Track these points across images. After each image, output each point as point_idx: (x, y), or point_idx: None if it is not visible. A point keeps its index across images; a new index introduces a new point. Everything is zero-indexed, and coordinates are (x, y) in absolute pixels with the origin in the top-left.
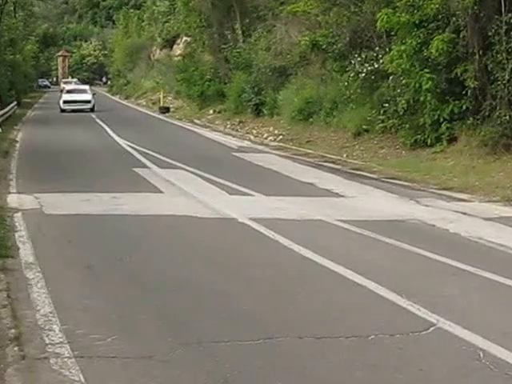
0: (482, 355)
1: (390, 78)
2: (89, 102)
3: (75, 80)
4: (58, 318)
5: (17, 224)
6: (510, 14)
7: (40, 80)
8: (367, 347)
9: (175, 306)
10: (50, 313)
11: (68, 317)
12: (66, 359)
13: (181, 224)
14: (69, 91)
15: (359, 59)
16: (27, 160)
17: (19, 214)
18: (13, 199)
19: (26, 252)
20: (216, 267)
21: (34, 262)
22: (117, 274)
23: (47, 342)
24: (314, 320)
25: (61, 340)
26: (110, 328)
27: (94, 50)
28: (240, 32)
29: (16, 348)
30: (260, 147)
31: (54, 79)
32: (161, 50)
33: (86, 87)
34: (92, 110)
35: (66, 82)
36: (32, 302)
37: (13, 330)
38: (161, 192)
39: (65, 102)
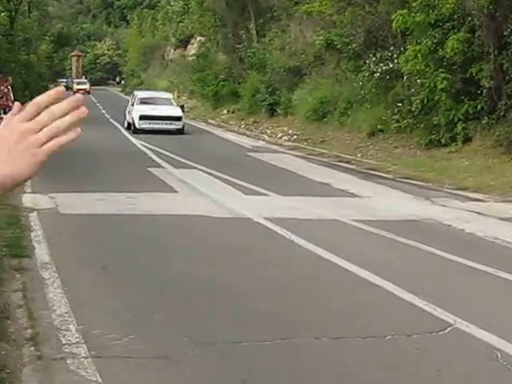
0: (499, 355)
1: (405, 77)
2: (179, 119)
3: (84, 81)
4: (75, 318)
5: (32, 224)
6: None
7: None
8: (384, 347)
9: (191, 306)
10: (66, 313)
11: (84, 317)
12: (82, 359)
13: (195, 224)
14: (144, 101)
15: (374, 59)
16: None
17: (34, 214)
18: (28, 199)
19: (41, 252)
20: (231, 267)
21: (50, 261)
22: (132, 273)
23: (64, 342)
24: (330, 320)
25: (77, 340)
26: (125, 328)
27: (108, 50)
28: (254, 32)
29: (32, 348)
30: (274, 147)
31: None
32: (175, 49)
33: (169, 96)
34: (182, 131)
35: (79, 83)
36: (48, 302)
37: (29, 330)
38: (175, 192)
39: (142, 117)
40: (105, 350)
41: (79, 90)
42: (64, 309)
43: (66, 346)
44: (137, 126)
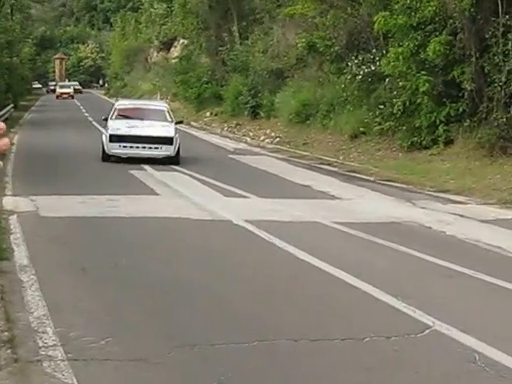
0: (477, 358)
1: (387, 80)
2: (168, 141)
3: (75, 83)
4: (52, 321)
5: (12, 226)
6: (507, 16)
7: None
8: (362, 350)
9: (170, 308)
10: (44, 315)
11: (62, 319)
12: (59, 362)
13: (176, 226)
14: (123, 113)
15: (356, 61)
16: (24, 162)
17: (14, 217)
18: (8, 202)
19: (20, 254)
20: (211, 269)
21: (29, 264)
22: (111, 276)
23: (40, 344)
24: (308, 322)
25: (54, 343)
26: (103, 330)
27: (92, 53)
28: (237, 34)
29: (9, 351)
30: (256, 149)
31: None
32: (158, 52)
33: (163, 106)
34: (174, 160)
35: (62, 86)
36: (26, 305)
37: (6, 333)
38: (156, 194)
39: (114, 139)
40: (82, 353)
41: (62, 94)
42: (42, 311)
43: (43, 349)
44: (106, 150)
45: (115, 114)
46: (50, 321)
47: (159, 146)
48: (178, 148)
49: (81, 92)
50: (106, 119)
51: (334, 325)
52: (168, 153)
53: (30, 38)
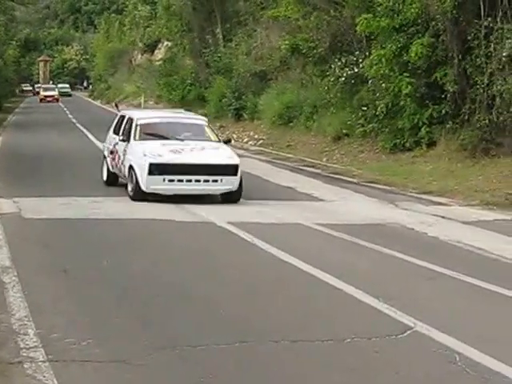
0: (458, 358)
1: (370, 82)
2: (233, 171)
3: (65, 85)
4: (34, 322)
5: None
6: (489, 19)
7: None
8: (343, 351)
9: (151, 310)
10: (25, 317)
11: (43, 321)
12: (40, 363)
13: (159, 228)
14: (152, 130)
15: (339, 63)
16: (7, 164)
17: None
18: None
19: (2, 256)
20: (193, 271)
21: (11, 265)
22: (94, 278)
23: (21, 346)
24: (290, 323)
25: (35, 344)
26: (85, 332)
27: (76, 55)
28: (221, 36)
29: None
30: (240, 151)
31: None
32: (142, 54)
33: (200, 119)
34: (237, 198)
35: (47, 89)
36: (7, 306)
37: None
38: None
39: (156, 168)
40: (63, 354)
41: (46, 97)
42: (23, 313)
43: (24, 350)
44: (143, 186)
45: (138, 131)
46: (32, 322)
47: (219, 177)
48: (241, 179)
49: (70, 95)
50: (124, 140)
51: (316, 326)
52: (230, 187)
53: (14, 40)
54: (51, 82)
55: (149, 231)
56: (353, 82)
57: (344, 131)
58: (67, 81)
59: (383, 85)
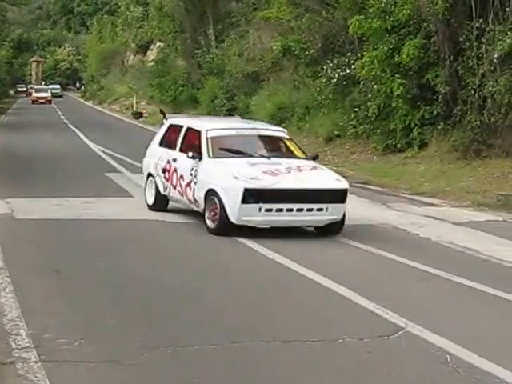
0: (449, 359)
1: (362, 83)
2: (341, 197)
3: (56, 86)
4: (26, 323)
5: None
6: (480, 20)
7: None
8: (335, 351)
9: (144, 310)
10: (17, 317)
11: (35, 321)
12: (32, 364)
13: (151, 228)
14: (226, 145)
15: (331, 65)
16: None
17: None
18: None
19: None
20: (186, 272)
21: (3, 266)
22: (86, 278)
23: (14, 346)
24: (282, 324)
25: (27, 345)
26: (77, 332)
27: (68, 56)
28: (213, 37)
29: None
30: None
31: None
32: (134, 55)
33: (279, 130)
34: (339, 228)
35: (39, 90)
36: None
37: None
38: (132, 197)
39: (255, 194)
40: (55, 355)
41: (38, 98)
42: (15, 313)
43: (16, 351)
44: (233, 216)
45: (211, 146)
46: (24, 323)
47: (325, 205)
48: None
49: (61, 96)
50: (195, 157)
51: (307, 326)
52: (336, 217)
53: (6, 41)
54: (43, 83)
55: (141, 232)
56: (345, 83)
57: (336, 132)
58: (59, 82)
59: (375, 86)
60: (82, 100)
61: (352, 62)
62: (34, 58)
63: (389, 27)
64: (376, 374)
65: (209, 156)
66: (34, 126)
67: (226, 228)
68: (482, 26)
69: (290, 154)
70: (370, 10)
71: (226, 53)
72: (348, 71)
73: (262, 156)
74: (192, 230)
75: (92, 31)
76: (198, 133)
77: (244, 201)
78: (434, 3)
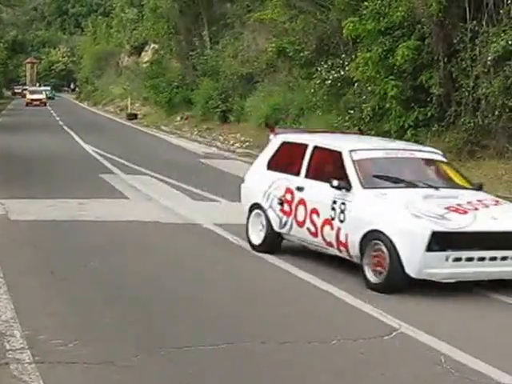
0: (443, 360)
1: (356, 85)
2: None
3: (46, 88)
4: (20, 324)
5: None
6: (474, 22)
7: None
8: (330, 352)
9: (138, 312)
10: (12, 318)
11: (30, 322)
12: (26, 365)
13: (146, 230)
14: (378, 171)
15: (325, 66)
16: None
17: None
18: None
19: None
20: (180, 273)
21: None
22: (80, 279)
23: (8, 347)
24: (276, 325)
25: (22, 346)
26: (72, 333)
27: (63, 57)
28: (207, 39)
29: None
30: (226, 154)
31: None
32: (129, 56)
33: (431, 150)
34: None
35: (33, 92)
36: None
37: None
38: (126, 198)
39: (445, 239)
40: (49, 356)
41: (33, 100)
42: (10, 314)
43: (10, 352)
44: (412, 268)
45: (360, 172)
46: (18, 324)
47: None
48: None
49: (52, 98)
50: (341, 186)
51: (302, 327)
52: None
53: (1, 42)
54: (38, 84)
55: (135, 233)
56: (339, 84)
57: None
58: (53, 83)
59: (369, 88)
60: (76, 101)
61: (346, 63)
62: (28, 60)
63: (383, 29)
64: (370, 374)
65: (361, 185)
66: (29, 127)
67: (399, 283)
68: (476, 28)
69: (455, 183)
70: (364, 12)
71: (221, 54)
72: (342, 73)
73: (429, 186)
74: (185, 231)
75: (87, 32)
76: (338, 154)
77: (429, 248)
78: (428, 5)
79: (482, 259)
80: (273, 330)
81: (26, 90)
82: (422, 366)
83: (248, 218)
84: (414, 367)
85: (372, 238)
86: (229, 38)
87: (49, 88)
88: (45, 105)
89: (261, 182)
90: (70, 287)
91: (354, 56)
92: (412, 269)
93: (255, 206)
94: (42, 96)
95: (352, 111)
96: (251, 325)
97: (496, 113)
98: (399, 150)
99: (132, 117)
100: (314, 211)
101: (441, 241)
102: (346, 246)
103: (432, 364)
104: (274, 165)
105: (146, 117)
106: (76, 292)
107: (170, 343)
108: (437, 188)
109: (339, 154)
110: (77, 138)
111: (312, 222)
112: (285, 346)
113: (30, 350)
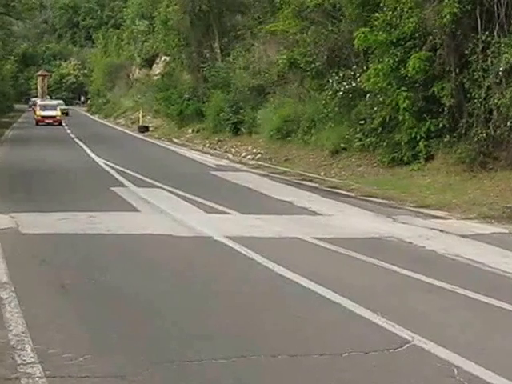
0: (456, 372)
1: (367, 96)
2: None
3: (59, 102)
4: (31, 338)
5: None
6: (486, 33)
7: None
8: (341, 365)
9: (148, 325)
10: (23, 332)
11: (41, 336)
12: (37, 379)
13: (157, 242)
14: None
15: (337, 78)
16: (4, 180)
17: None
18: None
19: (0, 272)
20: (191, 286)
21: (8, 281)
22: (91, 293)
23: (19, 361)
24: (287, 338)
25: (33, 360)
26: (82, 347)
27: (74, 70)
28: (218, 51)
29: None
30: (238, 166)
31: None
32: (140, 69)
33: None
34: None
35: (45, 107)
36: (5, 322)
37: None
38: (137, 211)
39: None
40: (60, 370)
41: (44, 118)
42: (21, 328)
43: (21, 366)
44: None
45: None
46: (29, 338)
47: None
48: None
49: (67, 114)
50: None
51: (313, 340)
52: None
53: (12, 55)
54: (49, 97)
55: (146, 246)
56: (350, 96)
57: (342, 145)
58: (65, 96)
59: (381, 99)
60: (87, 114)
61: (358, 74)
62: (39, 72)
63: (394, 40)
64: None
65: None
66: (40, 140)
67: None
68: (488, 39)
69: None
70: (376, 23)
71: (232, 66)
72: (354, 84)
73: None
74: (195, 244)
75: (97, 45)
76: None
77: None
78: (440, 16)
79: None
80: (284, 342)
81: (34, 104)
82: (434, 379)
83: None
84: (426, 380)
85: None
86: (240, 49)
87: (62, 102)
88: (60, 123)
89: None
90: (80, 301)
91: (365, 67)
92: None
93: None
94: (56, 112)
95: (363, 122)
96: (262, 338)
97: (508, 124)
98: None
99: (143, 129)
100: None
101: None
102: None
103: (445, 376)
104: None
105: (158, 129)
106: (87, 306)
107: (181, 356)
108: None
109: None
110: (88, 151)
111: None
112: (295, 359)
113: (41, 364)
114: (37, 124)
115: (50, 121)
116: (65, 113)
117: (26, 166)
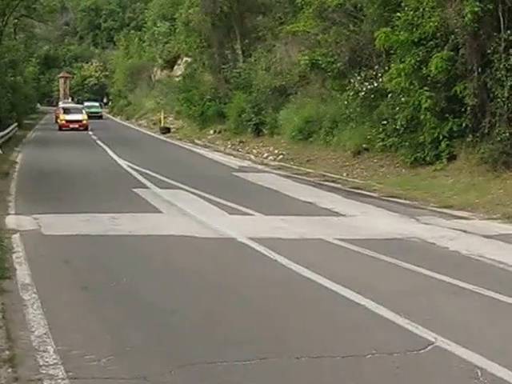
0: (480, 374)
1: (389, 96)
2: None
3: (94, 104)
4: (53, 339)
5: (14, 245)
6: (508, 32)
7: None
8: (364, 366)
9: (171, 327)
10: (45, 334)
11: (63, 338)
12: (59, 380)
13: (180, 244)
14: None
15: (358, 78)
16: (27, 181)
17: (17, 235)
18: (11, 220)
19: (22, 273)
20: (214, 287)
21: (31, 283)
22: (113, 295)
23: (41, 363)
24: (310, 339)
25: (55, 361)
26: (104, 349)
27: (95, 71)
28: (240, 52)
29: (10, 370)
30: (260, 167)
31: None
32: (161, 70)
33: None
34: None
35: (68, 110)
36: (27, 324)
37: (7, 352)
38: (160, 212)
39: None
40: (82, 371)
41: (69, 122)
42: (43, 330)
43: (44, 368)
44: None
45: None
46: (51, 339)
47: None
48: None
49: (100, 117)
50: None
51: (336, 342)
52: None
53: (33, 57)
54: (71, 99)
55: (169, 247)
56: (372, 96)
57: (364, 146)
58: (87, 97)
59: (403, 99)
60: (109, 115)
61: (379, 74)
62: (61, 74)
63: (416, 39)
64: None
65: None
66: (62, 142)
67: None
68: (510, 38)
69: None
70: (397, 23)
71: (253, 67)
72: (376, 84)
73: None
74: (219, 245)
75: (119, 46)
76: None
77: None
78: (462, 15)
79: None
80: (307, 344)
81: (58, 108)
82: (458, 380)
83: None
84: (450, 381)
85: None
86: (261, 50)
87: (97, 104)
88: (86, 129)
89: None
90: (102, 302)
91: (387, 67)
92: None
93: None
94: (82, 116)
95: (385, 123)
96: (284, 339)
97: None
98: None
99: (165, 130)
100: None
101: None
102: None
103: (468, 378)
104: None
105: (180, 130)
106: (108, 308)
107: (204, 358)
108: None
109: None
110: (110, 153)
111: None
112: (318, 361)
113: (64, 366)
114: (60, 129)
115: (76, 125)
116: (98, 116)
117: (49, 167)
